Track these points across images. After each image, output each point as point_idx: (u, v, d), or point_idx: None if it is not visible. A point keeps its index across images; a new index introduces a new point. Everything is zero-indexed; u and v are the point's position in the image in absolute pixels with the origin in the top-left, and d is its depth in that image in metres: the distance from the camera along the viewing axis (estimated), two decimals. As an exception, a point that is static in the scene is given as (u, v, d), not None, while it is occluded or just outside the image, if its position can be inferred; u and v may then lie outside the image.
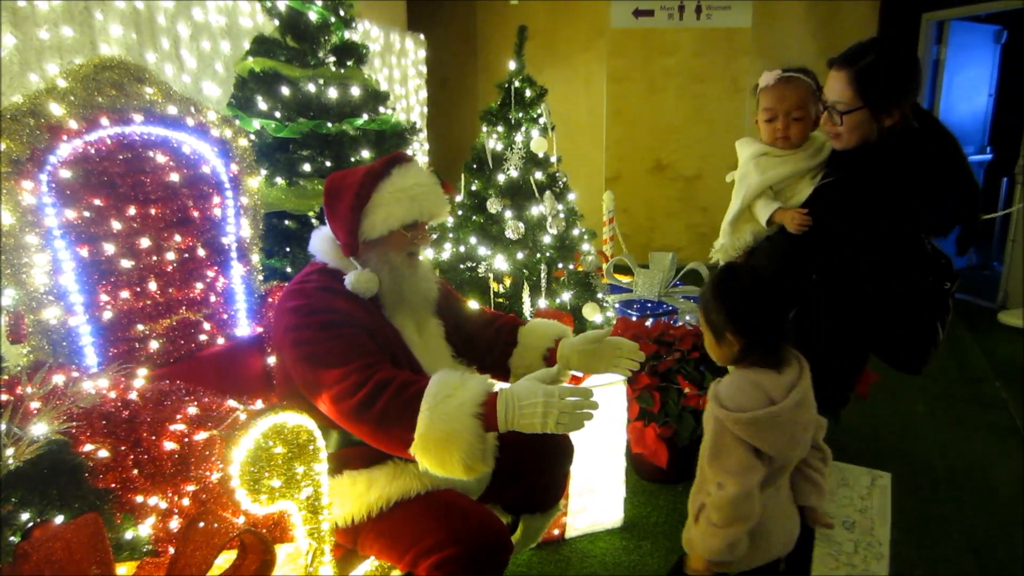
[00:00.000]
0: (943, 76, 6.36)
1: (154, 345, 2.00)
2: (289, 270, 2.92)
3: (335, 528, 1.65)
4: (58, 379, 1.54)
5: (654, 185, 7.24)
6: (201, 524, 1.22)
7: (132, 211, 1.95)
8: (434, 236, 1.95)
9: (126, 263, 1.93)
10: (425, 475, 1.65)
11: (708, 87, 6.94)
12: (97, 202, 1.86)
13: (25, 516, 1.28)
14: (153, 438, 1.38)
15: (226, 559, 1.33)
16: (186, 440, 1.38)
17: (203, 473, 1.35)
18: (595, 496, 2.59)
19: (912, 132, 1.90)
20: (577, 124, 7.17)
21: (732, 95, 6.93)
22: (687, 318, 3.71)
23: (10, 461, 1.26)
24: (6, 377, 1.49)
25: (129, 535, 1.49)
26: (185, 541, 1.21)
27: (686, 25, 6.81)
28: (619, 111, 7.11)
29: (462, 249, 3.16)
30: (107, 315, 1.87)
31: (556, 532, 2.57)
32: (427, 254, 3.15)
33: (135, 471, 1.41)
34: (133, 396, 1.51)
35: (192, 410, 1.43)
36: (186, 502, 1.41)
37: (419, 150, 6.37)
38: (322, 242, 1.79)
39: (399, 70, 6.44)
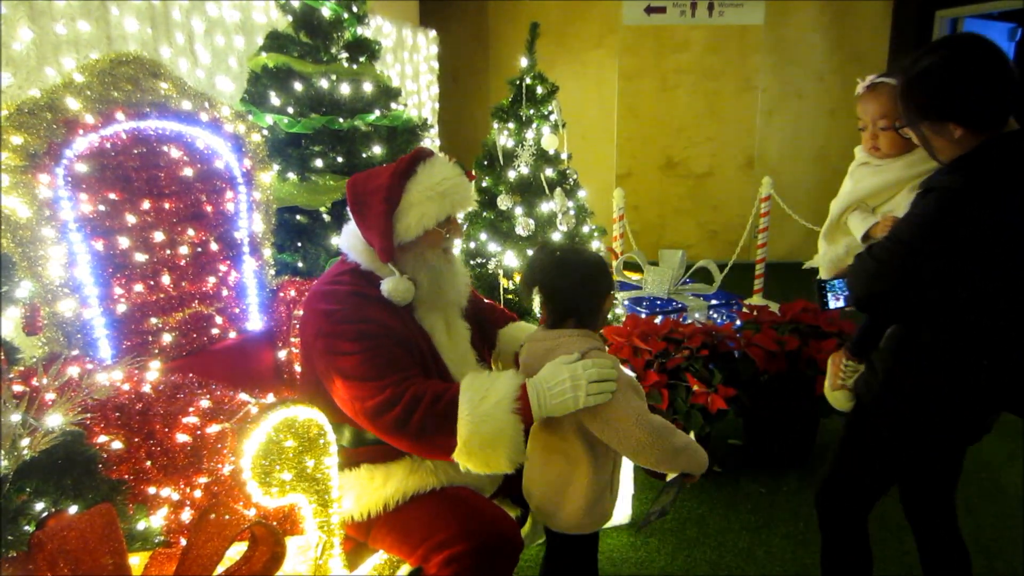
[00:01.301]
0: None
1: (167, 338, 2.01)
2: (300, 265, 2.94)
3: (348, 521, 1.67)
4: (73, 371, 1.56)
5: (665, 182, 7.23)
6: (213, 516, 1.23)
7: (146, 205, 1.97)
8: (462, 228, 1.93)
9: (140, 256, 1.94)
10: (441, 470, 1.67)
11: (720, 84, 6.92)
12: (112, 196, 1.87)
13: (40, 506, 1.29)
14: (166, 430, 1.40)
15: (237, 551, 1.34)
16: (198, 433, 1.39)
17: (215, 465, 1.36)
18: (603, 493, 2.59)
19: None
20: (588, 121, 7.16)
21: (744, 92, 6.91)
22: (696, 315, 3.71)
23: (25, 451, 1.27)
24: (22, 368, 1.51)
25: (141, 526, 1.50)
26: (197, 532, 1.22)
27: (698, 22, 6.79)
28: (630, 108, 7.09)
29: (472, 245, 3.16)
30: (121, 308, 1.89)
31: (564, 528, 2.57)
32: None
33: (148, 463, 1.42)
34: (146, 388, 1.53)
35: (204, 403, 1.45)
36: (198, 494, 1.42)
37: (431, 146, 6.38)
38: (354, 241, 1.74)
39: (411, 66, 6.45)
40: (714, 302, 3.97)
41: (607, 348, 1.72)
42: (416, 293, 1.69)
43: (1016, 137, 1.51)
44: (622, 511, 2.66)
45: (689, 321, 3.44)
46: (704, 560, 2.50)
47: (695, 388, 2.75)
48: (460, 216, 1.85)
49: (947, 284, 1.53)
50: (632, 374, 2.57)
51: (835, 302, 1.83)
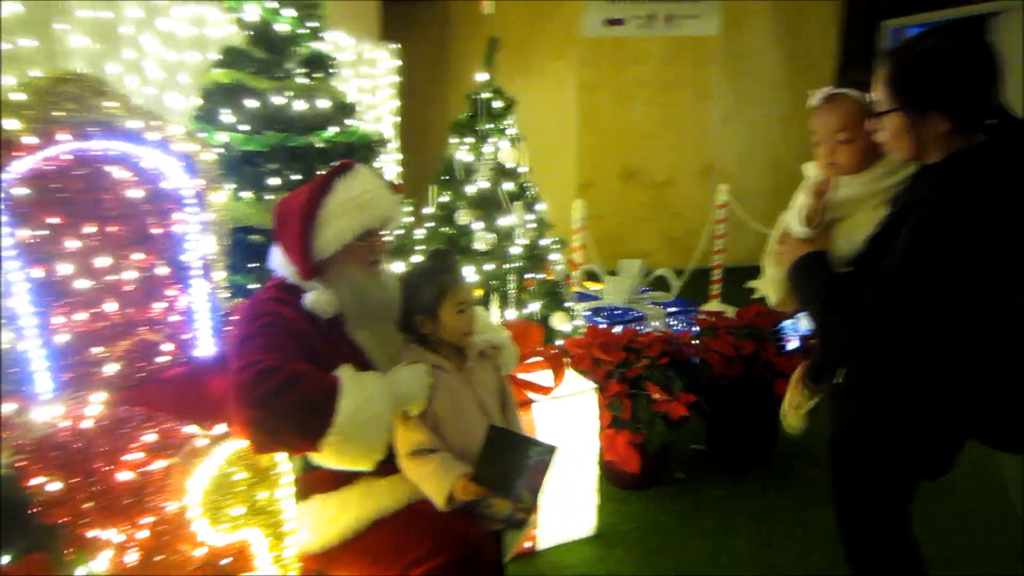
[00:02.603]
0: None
1: (112, 368, 1.94)
2: (255, 286, 2.88)
3: (306, 555, 1.62)
4: (7, 408, 1.49)
5: (625, 192, 7.29)
6: (159, 558, 1.19)
7: (90, 229, 1.90)
8: (389, 241, 1.90)
9: (83, 283, 1.87)
10: (399, 490, 1.64)
11: (677, 94, 7.01)
12: (54, 220, 1.81)
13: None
14: (108, 468, 1.35)
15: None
16: (142, 469, 1.34)
17: (161, 503, 1.31)
18: (567, 506, 2.59)
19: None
20: (548, 133, 7.19)
21: (700, 101, 7.01)
22: (655, 323, 3.74)
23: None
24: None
25: (81, 572, 1.44)
26: None
27: (655, 33, 6.88)
28: (589, 119, 7.14)
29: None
30: (61, 338, 1.82)
31: (528, 545, 2.55)
32: (395, 267, 3.13)
33: (89, 503, 1.37)
34: (88, 424, 1.47)
35: (150, 437, 1.40)
36: (144, 534, 1.37)
37: (389, 161, 6.33)
38: (281, 258, 1.77)
39: (369, 80, 6.40)
40: (672, 309, 4.01)
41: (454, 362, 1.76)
42: (343, 307, 1.69)
43: (1002, 144, 1.43)
44: (586, 523, 2.65)
45: (648, 330, 3.46)
46: (668, 568, 2.50)
47: (656, 396, 2.76)
48: (388, 229, 1.84)
49: (943, 314, 1.40)
50: (593, 385, 2.58)
51: (792, 344, 1.80)
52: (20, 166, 1.71)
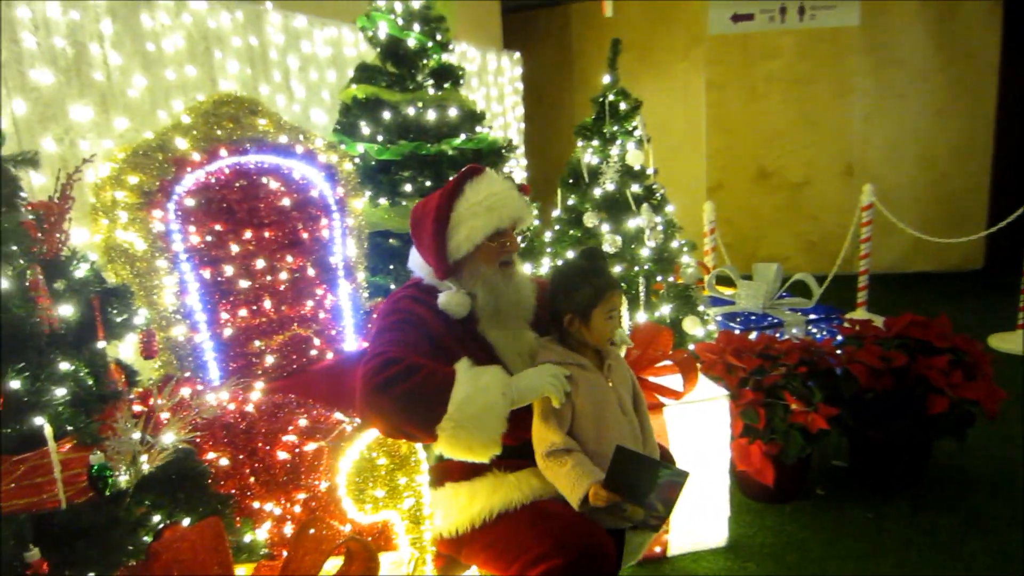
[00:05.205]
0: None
1: (269, 360, 2.12)
2: (392, 287, 3.03)
3: (440, 537, 1.69)
4: (184, 391, 1.66)
5: (758, 193, 7.02)
6: (311, 531, 1.28)
7: (248, 234, 2.09)
8: (523, 243, 1.97)
9: (244, 283, 2.06)
10: (526, 486, 1.68)
11: (813, 90, 6.67)
12: (218, 227, 2.00)
13: (156, 518, 1.38)
14: (267, 448, 1.47)
15: (334, 564, 1.39)
16: (297, 450, 1.46)
17: (312, 482, 1.42)
18: (698, 514, 2.52)
19: None
20: (676, 134, 7.06)
21: (839, 97, 6.63)
22: (793, 331, 3.56)
23: (144, 467, 1.37)
24: (140, 390, 1.62)
25: (247, 538, 1.58)
26: (296, 546, 1.28)
27: (788, 27, 6.59)
28: (719, 119, 6.94)
29: (560, 264, 3.17)
30: (227, 332, 2.01)
31: (658, 549, 2.51)
32: (525, 268, 3.19)
33: (252, 479, 1.50)
34: (250, 408, 1.61)
35: (303, 422, 1.51)
36: (298, 509, 1.48)
37: (516, 166, 6.45)
38: (418, 260, 1.85)
39: (496, 88, 6.56)
40: (812, 316, 3.79)
41: (608, 362, 1.77)
42: (476, 306, 1.74)
43: None
44: (718, 532, 2.57)
45: (786, 337, 3.31)
46: (807, 588, 2.38)
47: (793, 407, 2.63)
48: (520, 228, 1.87)
49: None
50: (724, 392, 2.50)
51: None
52: (189, 180, 1.91)
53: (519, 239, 1.86)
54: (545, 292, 1.84)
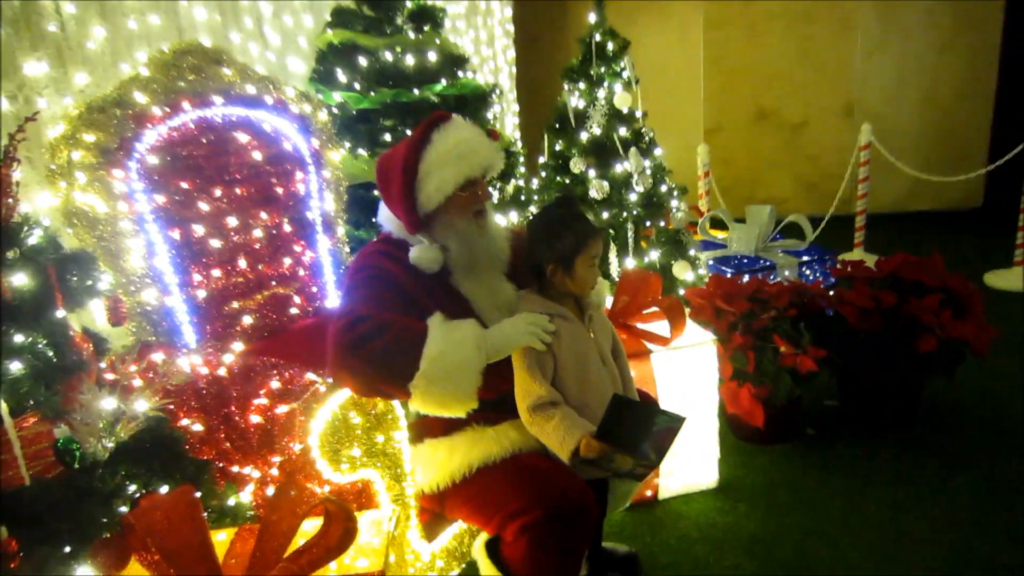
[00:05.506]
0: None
1: (248, 320, 2.08)
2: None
3: (422, 494, 1.69)
4: (157, 357, 1.63)
5: (757, 135, 6.87)
6: (285, 494, 1.26)
7: (218, 192, 2.03)
8: (494, 190, 1.90)
9: (216, 243, 2.01)
10: (505, 439, 1.67)
11: (815, 27, 6.45)
12: (184, 185, 1.94)
13: (133, 488, 1.36)
14: (240, 412, 1.45)
15: (315, 525, 1.38)
16: (269, 414, 1.43)
17: (286, 444, 1.40)
18: (688, 457, 2.53)
19: None
20: (673, 75, 6.87)
21: (842, 33, 6.42)
22: (786, 273, 3.52)
23: (116, 437, 1.35)
24: (113, 358, 1.59)
25: (232, 502, 1.58)
26: (271, 511, 1.26)
27: (789, -39, 6.34)
28: (717, 58, 6.75)
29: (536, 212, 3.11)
30: (201, 294, 1.97)
31: (649, 493, 2.53)
32: (511, 217, 3.13)
33: (227, 444, 1.48)
34: (222, 372, 1.58)
35: (275, 384, 1.49)
36: (275, 472, 1.47)
37: (507, 111, 6.31)
38: (388, 213, 1.79)
39: (486, 31, 6.36)
40: (805, 258, 3.74)
41: (588, 313, 1.74)
42: (449, 259, 1.70)
43: None
44: (709, 475, 2.59)
45: (778, 279, 3.27)
46: (795, 525, 2.39)
47: (783, 349, 2.62)
48: (490, 176, 1.81)
49: None
50: (711, 336, 2.47)
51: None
52: (151, 136, 1.83)
53: (490, 188, 1.80)
54: (520, 242, 1.79)
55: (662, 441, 1.52)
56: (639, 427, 1.50)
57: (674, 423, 1.51)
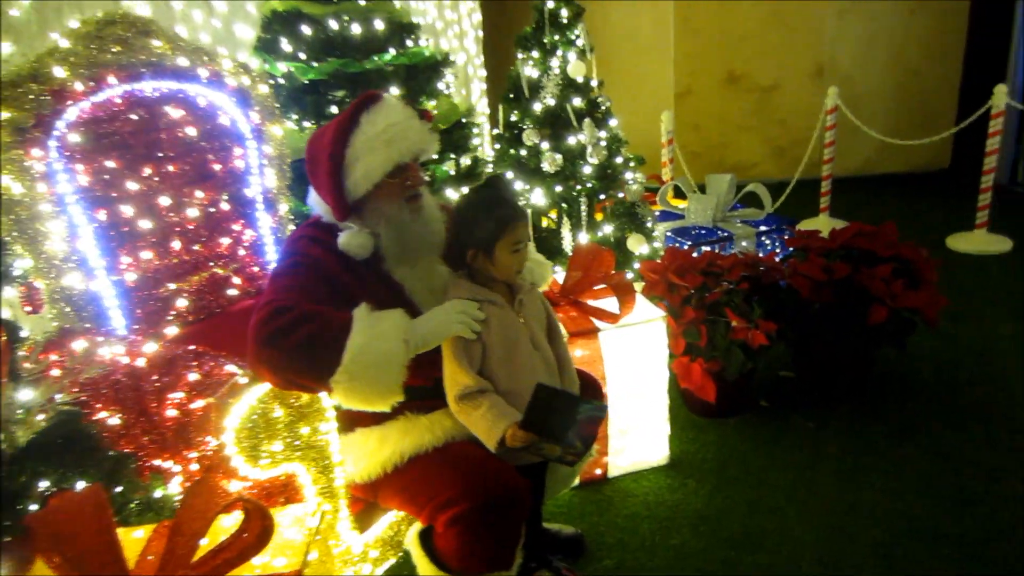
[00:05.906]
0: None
1: (183, 303, 2.03)
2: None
3: (354, 483, 1.67)
4: (79, 345, 1.58)
5: (727, 99, 6.80)
6: (196, 493, 1.24)
7: (148, 171, 1.95)
8: (427, 176, 1.85)
9: (145, 223, 1.94)
10: (438, 427, 1.64)
11: (786, -13, 6.36)
12: (111, 164, 1.86)
13: (46, 484, 1.33)
14: (155, 406, 1.41)
15: (236, 521, 1.36)
16: (185, 408, 1.40)
17: (202, 440, 1.37)
18: (637, 434, 2.54)
19: None
20: (643, 39, 6.74)
21: (813, -6, 6.33)
22: (743, 244, 3.50)
23: (22, 433, 1.30)
24: (30, 347, 1.54)
25: (159, 494, 1.54)
26: (183, 510, 1.23)
27: (761, -81, 6.20)
28: (687, 21, 6.63)
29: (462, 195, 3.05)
30: (131, 277, 1.91)
31: (598, 472, 2.54)
32: (448, 196, 3.06)
33: (145, 438, 1.45)
34: (141, 363, 1.54)
35: (193, 376, 1.45)
36: (195, 467, 1.44)
37: (472, 77, 6.18)
38: (316, 196, 1.73)
39: (450, -4, 6.18)
40: (764, 228, 3.72)
41: (519, 298, 1.71)
42: (380, 245, 1.65)
43: None
44: (659, 451, 2.60)
45: (734, 251, 3.25)
46: (742, 500, 2.42)
47: (734, 323, 2.61)
48: (424, 159, 1.75)
49: None
50: (661, 313, 2.46)
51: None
52: (72, 113, 1.75)
53: (422, 172, 1.74)
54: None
55: (588, 430, 1.51)
56: (563, 416, 1.49)
57: (597, 412, 1.50)
